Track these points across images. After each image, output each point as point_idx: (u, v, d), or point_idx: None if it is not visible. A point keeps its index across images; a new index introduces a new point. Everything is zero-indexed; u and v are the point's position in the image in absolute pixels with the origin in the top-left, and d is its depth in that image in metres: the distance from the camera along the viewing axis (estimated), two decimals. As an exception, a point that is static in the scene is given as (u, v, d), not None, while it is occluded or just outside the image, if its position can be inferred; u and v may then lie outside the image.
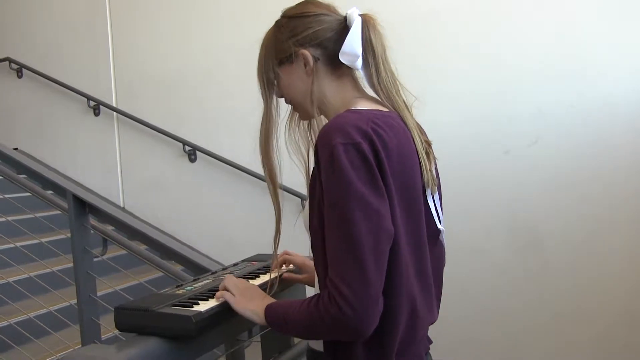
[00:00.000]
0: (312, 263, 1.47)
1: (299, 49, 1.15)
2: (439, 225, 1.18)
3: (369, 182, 0.98)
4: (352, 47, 1.12)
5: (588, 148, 3.19)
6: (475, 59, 3.42)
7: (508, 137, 3.35)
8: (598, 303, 3.19)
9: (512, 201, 3.36)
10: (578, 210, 3.22)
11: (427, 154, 1.15)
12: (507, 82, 3.36)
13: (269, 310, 1.11)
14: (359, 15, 1.15)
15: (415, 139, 1.12)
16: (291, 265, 1.51)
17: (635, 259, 3.14)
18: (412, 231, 1.08)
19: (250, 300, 1.17)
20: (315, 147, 1.04)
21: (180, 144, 4.39)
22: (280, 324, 1.10)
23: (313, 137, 1.26)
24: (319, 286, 1.11)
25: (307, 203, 1.18)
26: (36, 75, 5.06)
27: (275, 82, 1.20)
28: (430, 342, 1.23)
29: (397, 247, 1.02)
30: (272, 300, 1.16)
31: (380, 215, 0.98)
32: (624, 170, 3.13)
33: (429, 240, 1.14)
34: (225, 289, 1.22)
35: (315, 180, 1.07)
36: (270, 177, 1.21)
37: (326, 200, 1.01)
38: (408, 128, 1.13)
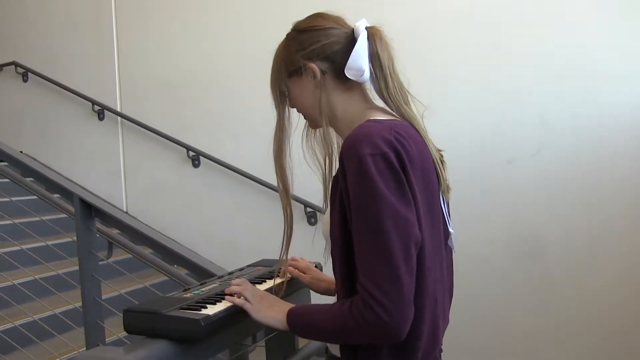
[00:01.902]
0: (314, 269, 1.50)
1: (306, 62, 1.17)
2: (449, 228, 1.21)
3: (397, 190, 1.01)
4: (356, 62, 1.15)
5: (591, 157, 3.20)
6: (479, 68, 3.43)
7: (511, 146, 3.37)
8: (599, 310, 3.20)
9: (515, 210, 3.37)
10: (580, 219, 3.23)
11: (441, 162, 1.19)
12: (510, 92, 3.37)
13: (291, 316, 1.14)
14: (365, 28, 1.17)
15: (430, 147, 1.16)
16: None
17: (637, 266, 3.14)
18: (434, 236, 1.11)
19: (269, 308, 1.19)
20: (340, 157, 1.07)
21: (184, 149, 4.41)
22: (305, 330, 1.13)
23: (329, 145, 1.29)
24: (338, 290, 1.13)
25: (326, 212, 1.20)
26: (41, 80, 5.10)
27: (287, 94, 1.23)
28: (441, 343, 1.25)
29: (421, 252, 1.05)
30: (291, 305, 1.18)
31: (409, 222, 1.01)
32: (626, 179, 3.14)
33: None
34: (237, 294, 1.23)
35: (337, 189, 1.09)
36: (283, 186, 1.23)
37: (355, 210, 1.03)
38: (422, 136, 1.16)
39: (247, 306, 1.20)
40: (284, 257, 1.30)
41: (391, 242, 0.99)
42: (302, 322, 1.13)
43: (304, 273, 1.50)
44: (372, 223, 1.00)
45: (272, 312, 1.18)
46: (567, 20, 3.26)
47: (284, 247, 1.28)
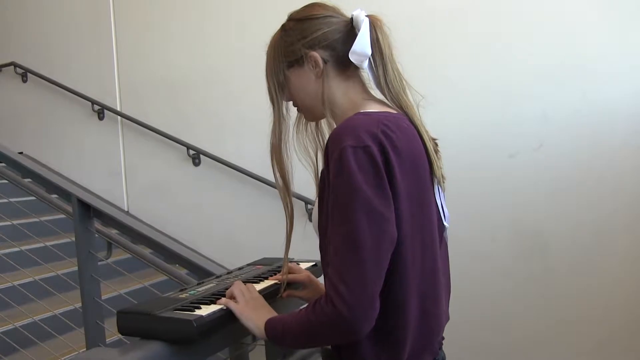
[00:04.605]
0: (315, 279, 1.47)
1: (308, 51, 1.15)
2: (444, 222, 1.19)
3: (375, 185, 0.99)
4: (362, 47, 1.13)
5: (592, 152, 3.18)
6: (480, 63, 3.42)
7: (513, 141, 3.34)
8: (601, 308, 3.18)
9: (516, 205, 3.35)
10: (582, 215, 3.21)
11: (436, 152, 1.17)
12: (512, 86, 3.35)
13: (269, 324, 1.12)
14: (366, 16, 1.16)
15: (424, 137, 1.14)
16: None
17: (639, 263, 3.12)
18: (423, 229, 1.09)
19: (253, 311, 1.17)
20: (325, 149, 1.06)
21: (184, 148, 4.40)
22: (279, 337, 1.11)
23: (321, 140, 1.28)
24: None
25: (315, 204, 1.19)
26: (41, 80, 5.08)
27: (285, 85, 1.20)
28: (442, 338, 1.23)
29: (403, 247, 1.03)
30: (275, 314, 1.16)
31: (384, 219, 0.99)
32: (628, 175, 3.12)
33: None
34: (232, 296, 1.22)
35: (324, 182, 1.08)
36: (283, 181, 1.21)
37: (332, 201, 1.02)
38: (416, 127, 1.14)
39: (232, 304, 1.18)
40: (286, 256, 1.29)
41: (362, 237, 0.97)
42: (276, 329, 1.11)
43: (303, 283, 1.44)
44: (345, 215, 0.99)
45: (254, 316, 1.16)
46: (567, 15, 3.23)
47: (286, 245, 1.25)
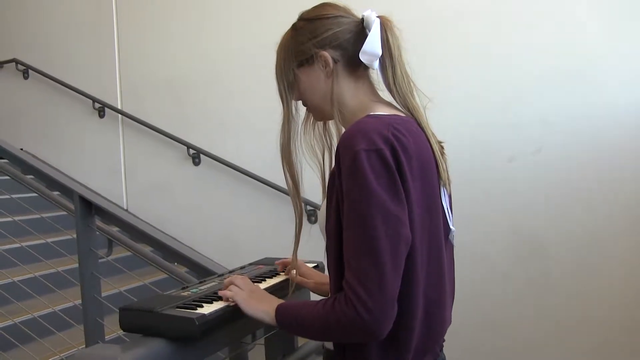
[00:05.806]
0: (315, 272, 1.49)
1: (319, 50, 1.16)
2: (450, 225, 1.19)
3: (389, 188, 1.00)
4: (372, 47, 1.14)
5: (591, 156, 3.19)
6: (480, 67, 3.42)
7: (512, 144, 3.35)
8: (601, 311, 3.19)
9: (516, 209, 3.36)
10: (581, 219, 3.22)
11: (442, 154, 1.18)
12: (512, 90, 3.36)
13: (280, 310, 1.13)
14: (377, 17, 1.16)
15: (430, 140, 1.15)
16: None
17: (638, 267, 3.13)
18: (431, 232, 1.10)
19: (259, 301, 1.18)
20: (337, 151, 1.06)
21: (185, 147, 4.41)
22: (292, 325, 1.11)
23: (328, 140, 1.29)
24: (330, 286, 1.13)
25: (322, 205, 1.20)
26: (42, 77, 5.09)
27: (295, 84, 1.20)
28: (443, 340, 1.24)
29: (413, 250, 1.04)
30: (281, 301, 1.17)
31: (399, 221, 1.00)
32: (627, 179, 3.13)
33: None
34: (231, 288, 1.22)
35: (333, 183, 1.08)
36: (292, 181, 1.21)
37: (346, 205, 1.03)
38: (423, 130, 1.15)
39: (237, 298, 1.19)
40: (295, 255, 1.30)
41: (379, 240, 0.98)
42: (289, 317, 1.11)
43: (303, 276, 1.48)
44: (362, 219, 0.99)
45: (262, 305, 1.17)
46: (567, 18, 3.24)
47: (295, 244, 1.27)
